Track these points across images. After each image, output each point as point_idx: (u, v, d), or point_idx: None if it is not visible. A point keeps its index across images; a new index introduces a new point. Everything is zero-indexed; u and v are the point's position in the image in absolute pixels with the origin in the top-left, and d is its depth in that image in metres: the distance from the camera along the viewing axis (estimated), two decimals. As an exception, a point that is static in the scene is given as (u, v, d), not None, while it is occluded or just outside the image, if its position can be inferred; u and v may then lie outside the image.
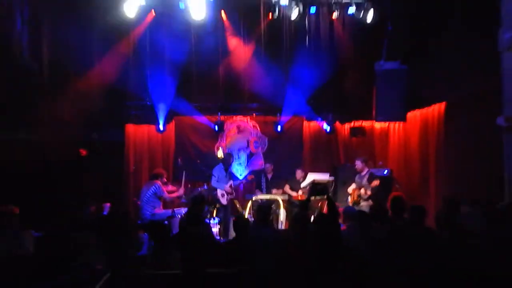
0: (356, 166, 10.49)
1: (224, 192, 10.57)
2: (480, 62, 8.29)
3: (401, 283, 4.29)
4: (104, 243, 6.16)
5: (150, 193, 9.53)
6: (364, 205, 9.84)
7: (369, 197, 9.96)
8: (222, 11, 11.95)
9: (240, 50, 12.19)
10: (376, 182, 9.88)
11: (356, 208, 9.79)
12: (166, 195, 9.70)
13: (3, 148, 10.20)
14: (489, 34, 7.92)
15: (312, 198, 8.61)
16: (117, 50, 11.75)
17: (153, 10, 11.72)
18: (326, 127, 12.64)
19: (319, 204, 10.38)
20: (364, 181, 10.16)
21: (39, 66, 10.71)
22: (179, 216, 9.22)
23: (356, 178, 10.40)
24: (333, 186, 10.72)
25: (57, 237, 5.60)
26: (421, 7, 10.13)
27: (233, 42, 12.19)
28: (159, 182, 9.66)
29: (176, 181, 10.82)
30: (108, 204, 9.30)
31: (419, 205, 6.51)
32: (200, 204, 7.71)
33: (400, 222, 6.03)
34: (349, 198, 10.34)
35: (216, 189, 10.56)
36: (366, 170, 10.35)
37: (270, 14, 11.75)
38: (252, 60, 12.10)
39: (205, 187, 10.59)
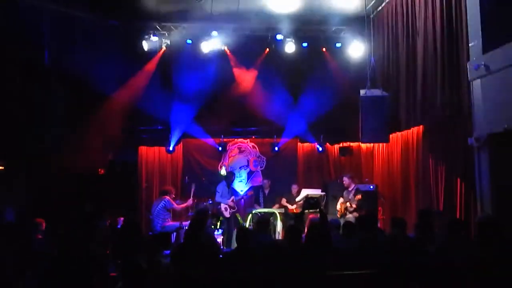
0: (344, 182, 10.66)
1: (227, 206, 10.71)
2: (452, 90, 8.44)
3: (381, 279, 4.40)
4: (118, 253, 6.24)
5: (160, 207, 9.67)
6: (350, 217, 10.03)
7: (354, 210, 10.15)
8: (225, 47, 12.20)
9: (242, 80, 12.39)
10: (358, 196, 10.06)
11: (343, 220, 10.04)
12: (175, 206, 9.90)
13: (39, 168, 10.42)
14: (461, 65, 8.09)
15: (306, 211, 8.76)
16: (133, 80, 11.98)
17: (164, 46, 12.02)
18: (318, 147, 12.76)
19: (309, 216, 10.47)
20: (351, 195, 10.33)
21: (65, 96, 10.90)
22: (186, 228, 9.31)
23: (344, 193, 10.56)
24: (324, 201, 10.82)
25: (76, 247, 5.67)
26: (399, 42, 10.33)
27: (236, 73, 12.40)
28: (167, 197, 9.80)
29: (184, 196, 10.95)
30: (121, 218, 9.38)
31: (399, 217, 6.65)
32: (204, 215, 7.77)
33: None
34: (337, 213, 10.50)
35: (220, 204, 10.69)
36: (352, 185, 10.52)
37: (270, 48, 12.10)
38: (252, 89, 12.29)
39: (210, 201, 10.71)
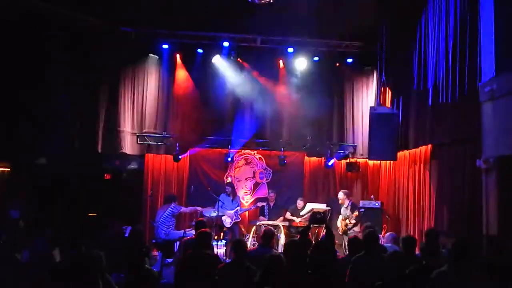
0: (338, 197, 10.78)
1: (228, 216, 10.80)
2: (462, 112, 8.49)
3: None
4: (125, 261, 6.30)
5: (167, 214, 9.72)
6: (352, 233, 10.12)
7: (354, 225, 10.33)
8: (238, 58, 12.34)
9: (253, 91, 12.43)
10: (356, 213, 10.36)
11: (345, 237, 10.16)
12: (183, 209, 10.17)
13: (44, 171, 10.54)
14: (471, 88, 8.12)
15: (312, 225, 8.77)
16: (142, 87, 12.14)
17: (177, 56, 12.16)
18: (331, 162, 12.73)
19: (316, 231, 10.51)
20: (348, 212, 10.49)
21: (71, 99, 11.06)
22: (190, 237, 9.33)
23: (342, 210, 10.72)
24: (329, 216, 10.84)
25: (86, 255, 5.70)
26: (410, 60, 10.40)
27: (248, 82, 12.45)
28: (174, 203, 9.87)
29: (188, 205, 11.01)
30: (129, 227, 9.41)
31: (410, 236, 6.67)
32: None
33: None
34: (339, 229, 10.61)
35: (224, 214, 10.77)
36: (347, 202, 10.67)
37: (281, 62, 12.19)
38: (262, 99, 12.34)
39: (214, 210, 10.72)
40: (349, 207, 10.57)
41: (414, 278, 4.64)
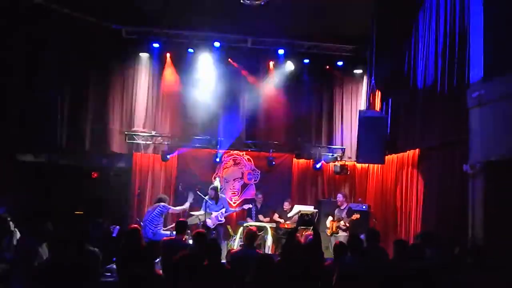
0: (337, 199, 10.84)
1: (212, 217, 10.78)
2: (450, 117, 8.60)
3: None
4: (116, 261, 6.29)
5: (155, 214, 9.68)
6: (342, 235, 10.15)
7: (347, 228, 10.29)
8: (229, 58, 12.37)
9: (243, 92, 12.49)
10: (356, 216, 10.17)
11: (334, 238, 10.20)
12: (172, 209, 10.15)
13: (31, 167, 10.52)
14: (459, 93, 8.23)
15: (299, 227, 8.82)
16: (132, 85, 12.14)
17: (166, 53, 12.14)
18: (319, 164, 12.82)
19: (303, 233, 10.54)
20: (344, 214, 10.49)
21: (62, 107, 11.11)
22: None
23: (336, 211, 10.73)
24: (316, 218, 10.90)
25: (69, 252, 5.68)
26: (401, 64, 10.52)
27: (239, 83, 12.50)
28: (163, 203, 9.86)
29: (177, 204, 10.97)
30: (117, 227, 9.37)
31: (402, 239, 6.75)
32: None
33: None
34: (327, 230, 10.64)
35: (210, 214, 10.72)
36: (345, 204, 10.72)
37: (271, 63, 12.24)
38: (252, 100, 12.41)
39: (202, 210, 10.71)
40: (345, 210, 10.59)
41: (404, 279, 4.71)
